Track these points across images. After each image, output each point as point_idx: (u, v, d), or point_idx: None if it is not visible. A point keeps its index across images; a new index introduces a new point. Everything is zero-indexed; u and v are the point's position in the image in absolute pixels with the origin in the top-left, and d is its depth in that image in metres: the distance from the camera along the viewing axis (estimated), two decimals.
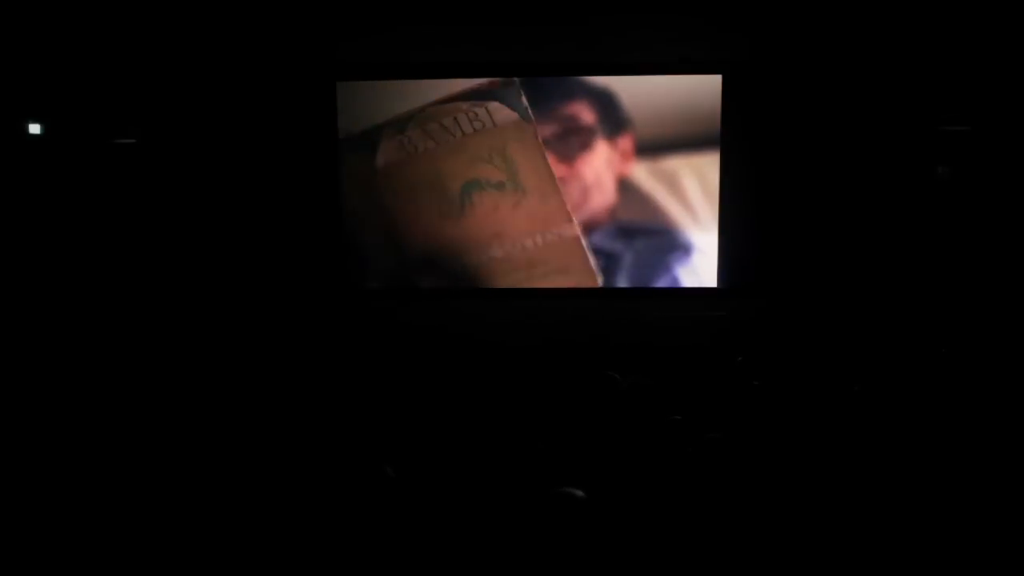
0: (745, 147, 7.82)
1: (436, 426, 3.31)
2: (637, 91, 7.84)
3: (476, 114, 7.88)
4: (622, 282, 8.07)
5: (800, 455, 2.72)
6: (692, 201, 7.96)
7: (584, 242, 8.00)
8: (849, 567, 2.27)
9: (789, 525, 2.41)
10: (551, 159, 7.90)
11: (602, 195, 7.96)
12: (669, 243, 8.03)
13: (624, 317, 7.90)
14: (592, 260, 8.03)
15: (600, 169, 7.93)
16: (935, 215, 7.55)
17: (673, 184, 7.94)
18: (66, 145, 7.66)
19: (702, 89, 7.81)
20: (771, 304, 7.76)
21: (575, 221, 7.95)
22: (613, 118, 7.89)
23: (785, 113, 7.68)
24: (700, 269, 8.04)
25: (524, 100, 7.86)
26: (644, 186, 7.95)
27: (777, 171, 7.78)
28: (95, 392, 4.83)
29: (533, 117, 7.85)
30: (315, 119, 7.96)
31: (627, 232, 8.01)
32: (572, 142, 7.91)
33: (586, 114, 7.90)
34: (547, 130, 7.88)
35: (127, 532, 2.55)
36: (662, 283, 8.08)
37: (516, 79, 7.87)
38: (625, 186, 7.95)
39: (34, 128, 7.45)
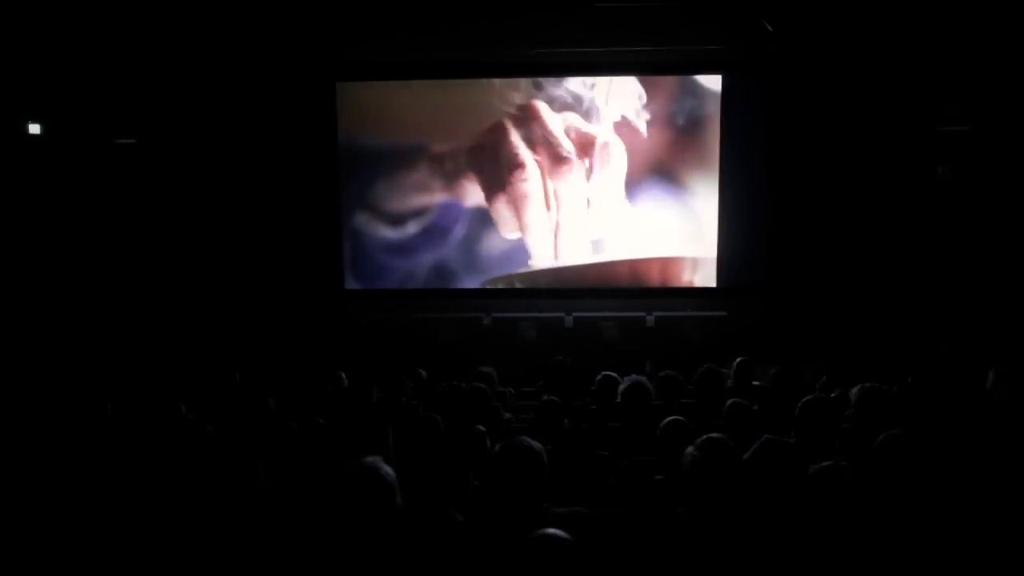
0: (745, 148, 7.82)
1: (435, 426, 3.31)
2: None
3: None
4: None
5: (799, 455, 2.72)
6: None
7: None
8: (849, 568, 2.27)
9: (788, 525, 2.41)
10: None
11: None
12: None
13: (623, 317, 7.91)
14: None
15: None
16: (935, 215, 7.55)
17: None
18: (66, 145, 7.66)
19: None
20: (771, 304, 7.76)
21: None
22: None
23: (785, 113, 7.68)
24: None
25: None
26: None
27: (777, 171, 7.78)
28: (94, 388, 4.82)
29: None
30: (315, 120, 7.96)
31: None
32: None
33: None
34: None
35: (123, 529, 2.55)
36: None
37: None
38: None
39: (34, 128, 7.45)
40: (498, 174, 7.99)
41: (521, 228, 8.03)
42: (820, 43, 7.42)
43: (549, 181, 7.96)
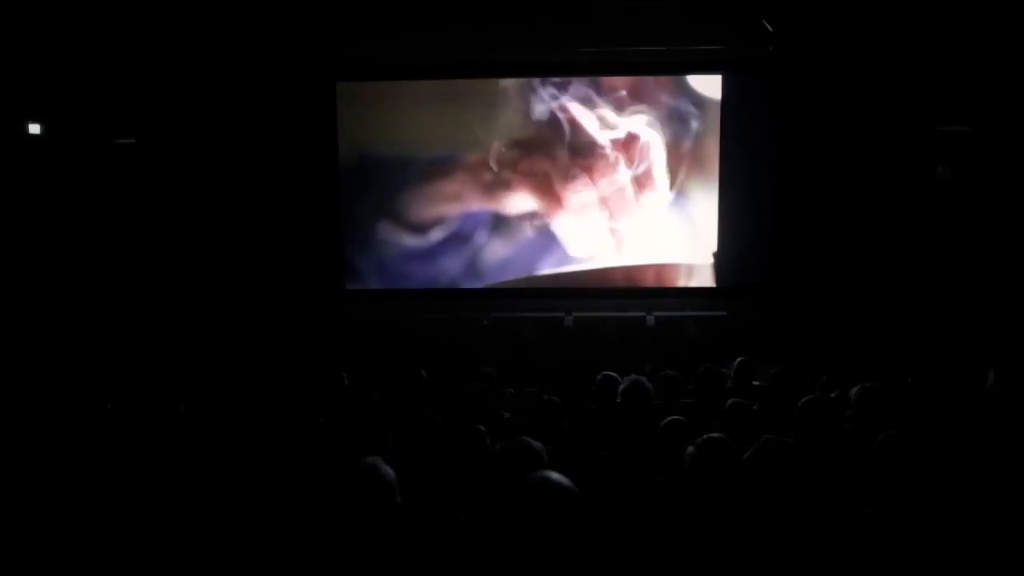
0: (744, 147, 7.82)
1: (434, 426, 3.31)
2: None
3: None
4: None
5: (799, 455, 2.71)
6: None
7: None
8: (848, 569, 2.27)
9: (789, 526, 2.41)
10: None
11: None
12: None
13: (623, 317, 7.91)
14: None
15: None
16: (935, 215, 7.55)
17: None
18: (66, 145, 7.66)
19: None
20: (771, 304, 7.76)
21: None
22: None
23: (785, 113, 7.68)
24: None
25: None
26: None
27: (777, 170, 7.78)
28: (94, 387, 4.82)
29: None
30: (315, 119, 7.96)
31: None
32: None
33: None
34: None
35: (123, 528, 2.55)
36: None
37: None
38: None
39: (34, 128, 7.44)
40: (546, 181, 8.02)
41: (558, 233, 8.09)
42: (820, 43, 7.42)
43: (600, 183, 8.00)
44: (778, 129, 7.72)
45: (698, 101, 7.86)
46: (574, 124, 7.93)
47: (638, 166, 7.91)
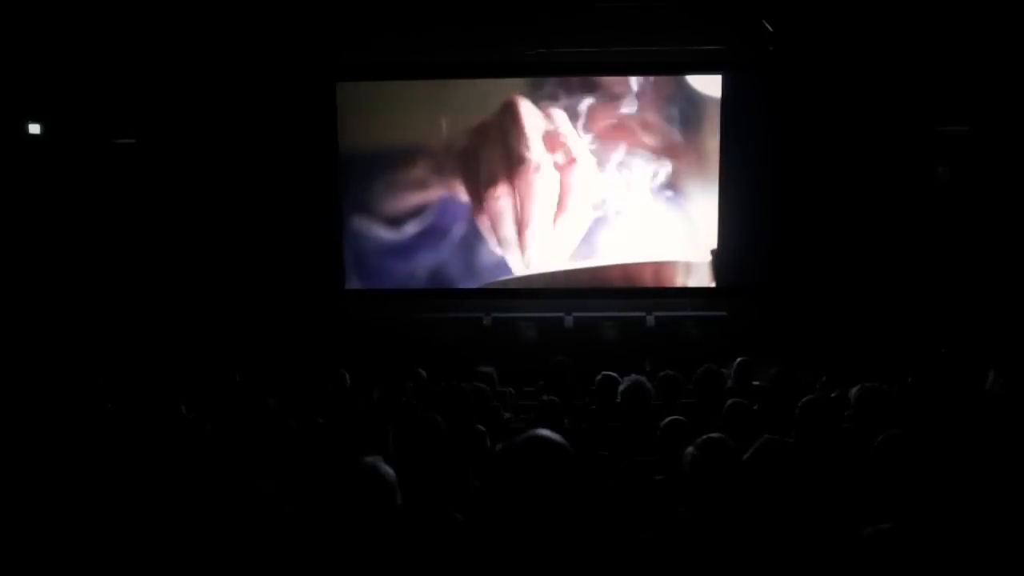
0: (744, 147, 7.82)
1: (435, 426, 3.31)
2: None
3: None
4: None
5: (799, 455, 2.71)
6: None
7: None
8: (848, 569, 2.27)
9: (789, 526, 2.41)
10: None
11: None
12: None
13: (622, 317, 7.91)
14: None
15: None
16: (935, 215, 7.55)
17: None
18: (66, 145, 7.66)
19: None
20: (771, 304, 7.76)
21: None
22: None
23: (785, 113, 7.68)
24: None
25: None
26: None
27: (777, 170, 7.78)
28: (94, 387, 4.83)
29: None
30: (315, 120, 7.96)
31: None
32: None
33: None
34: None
35: (122, 528, 2.55)
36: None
37: None
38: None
39: (34, 128, 7.45)
40: (481, 180, 8.03)
41: (500, 237, 8.08)
42: (820, 43, 7.42)
43: (529, 184, 8.00)
44: (778, 129, 7.72)
45: (698, 100, 7.86)
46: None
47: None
